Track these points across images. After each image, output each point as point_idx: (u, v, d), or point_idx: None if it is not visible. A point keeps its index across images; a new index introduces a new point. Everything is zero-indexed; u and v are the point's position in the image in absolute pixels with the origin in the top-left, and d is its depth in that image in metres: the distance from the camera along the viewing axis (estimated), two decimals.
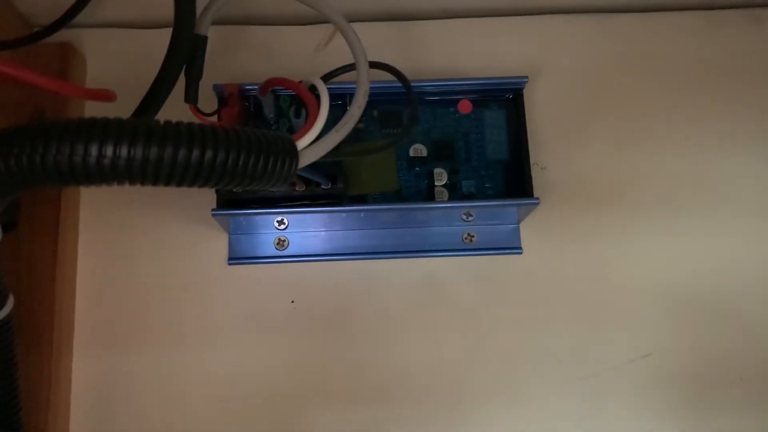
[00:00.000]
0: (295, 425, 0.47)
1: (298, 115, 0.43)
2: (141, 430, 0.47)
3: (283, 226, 0.48)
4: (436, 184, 0.47)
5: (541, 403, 0.48)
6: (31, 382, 0.43)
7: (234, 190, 0.30)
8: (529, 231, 0.50)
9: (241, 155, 0.28)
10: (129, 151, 0.26)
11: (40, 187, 0.27)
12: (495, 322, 0.49)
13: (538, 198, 0.45)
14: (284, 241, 0.49)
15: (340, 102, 0.47)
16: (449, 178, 0.47)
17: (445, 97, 0.48)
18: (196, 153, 0.27)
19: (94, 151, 0.25)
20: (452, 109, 0.48)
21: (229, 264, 0.49)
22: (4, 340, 0.36)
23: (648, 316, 0.49)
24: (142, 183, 0.27)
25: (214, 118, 0.42)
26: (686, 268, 0.50)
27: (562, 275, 0.50)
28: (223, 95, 0.43)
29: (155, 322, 0.48)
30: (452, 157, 0.48)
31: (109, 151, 0.25)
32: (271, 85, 0.42)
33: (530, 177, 0.46)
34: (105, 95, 0.38)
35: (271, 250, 0.49)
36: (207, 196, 0.46)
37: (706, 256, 0.50)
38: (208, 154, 0.27)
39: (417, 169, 0.48)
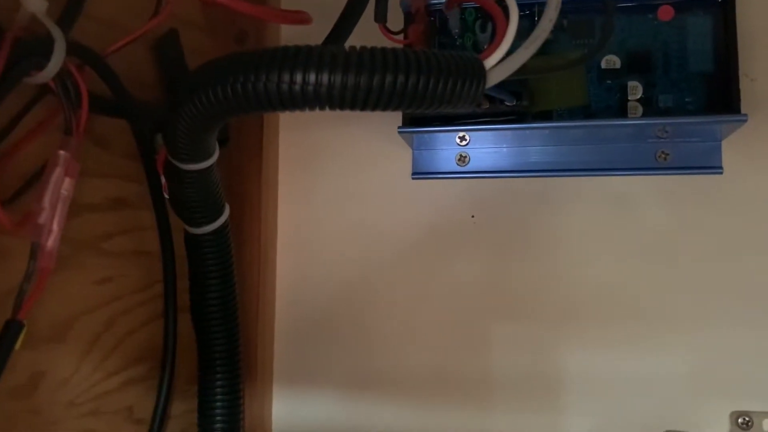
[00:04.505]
0: (473, 336, 0.49)
1: (483, 29, 0.42)
2: (332, 325, 0.52)
3: (464, 143, 0.48)
4: (629, 98, 0.44)
5: (731, 339, 0.45)
6: (242, 278, 0.48)
7: (421, 111, 0.31)
8: (733, 150, 0.46)
9: (430, 80, 0.29)
10: (329, 79, 0.27)
11: (250, 113, 0.30)
12: (687, 246, 0.46)
13: (746, 114, 0.41)
14: (465, 157, 0.50)
15: (528, 12, 0.45)
16: (644, 92, 0.44)
17: (643, 2, 0.44)
18: (388, 79, 0.28)
19: (298, 78, 0.27)
20: (651, 16, 0.45)
21: (413, 178, 0.50)
22: (224, 242, 0.41)
23: None
24: (340, 108, 0.29)
25: (401, 37, 0.43)
26: None
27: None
28: (409, 11, 0.44)
29: (346, 228, 0.52)
30: (649, 69, 0.44)
31: (311, 78, 0.27)
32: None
33: (738, 90, 0.42)
34: (301, 18, 0.40)
35: (453, 166, 0.50)
36: (393, 115, 0.48)
37: None
38: (400, 79, 0.28)
39: (609, 82, 0.45)
